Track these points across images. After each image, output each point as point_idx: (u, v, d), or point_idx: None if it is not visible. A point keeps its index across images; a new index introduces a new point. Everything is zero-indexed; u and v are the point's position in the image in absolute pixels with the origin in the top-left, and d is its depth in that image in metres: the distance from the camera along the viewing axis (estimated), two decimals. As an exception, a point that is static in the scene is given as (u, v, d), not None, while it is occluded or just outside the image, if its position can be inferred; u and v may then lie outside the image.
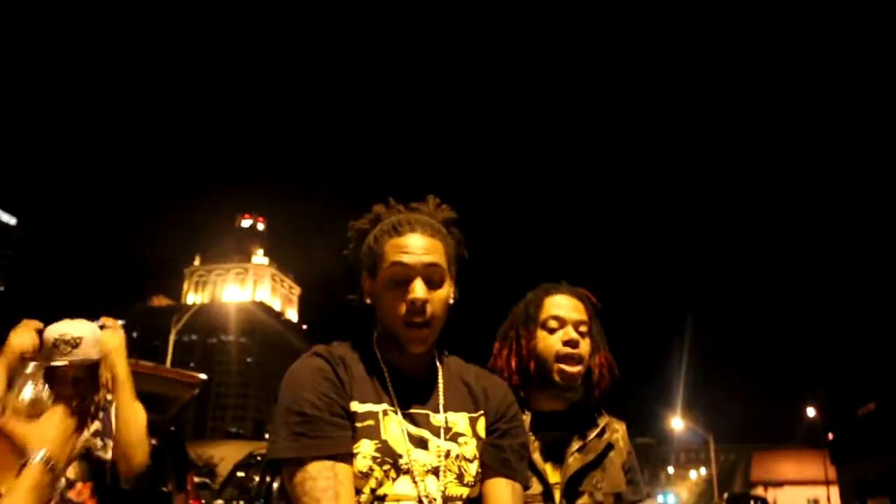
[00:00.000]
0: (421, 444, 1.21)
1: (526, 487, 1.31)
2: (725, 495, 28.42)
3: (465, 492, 1.22)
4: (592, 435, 1.61)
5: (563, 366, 1.56)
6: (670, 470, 66.87)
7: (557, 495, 1.54)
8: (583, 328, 1.59)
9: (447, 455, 1.21)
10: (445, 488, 1.19)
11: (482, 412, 1.30)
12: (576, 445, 1.59)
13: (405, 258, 1.23)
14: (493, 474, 1.26)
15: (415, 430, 1.21)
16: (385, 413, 1.21)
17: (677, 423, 35.29)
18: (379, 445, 1.17)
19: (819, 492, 28.60)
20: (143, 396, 2.01)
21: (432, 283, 1.24)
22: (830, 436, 26.49)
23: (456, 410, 1.27)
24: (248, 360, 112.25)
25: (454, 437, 1.24)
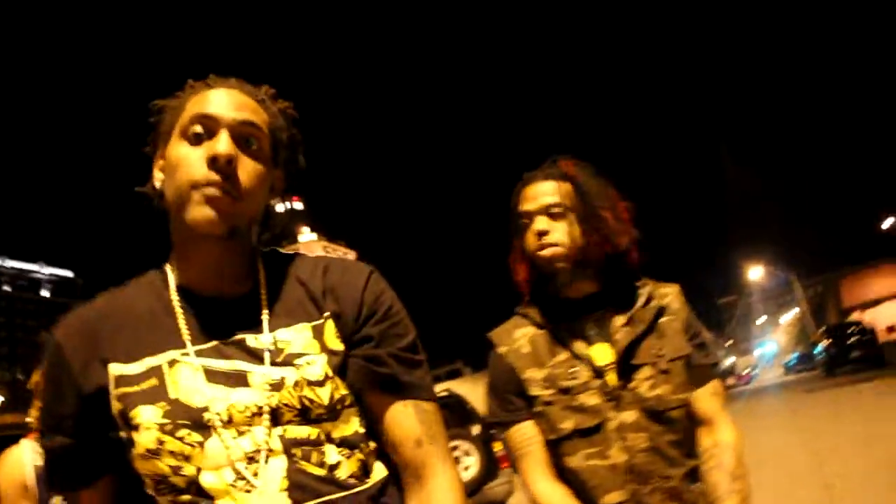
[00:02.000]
0: (237, 381, 0.89)
1: (433, 399, 0.99)
2: (823, 329, 27.96)
3: (315, 432, 0.89)
4: (637, 305, 1.48)
5: (539, 253, 1.47)
6: (761, 320, 66.37)
7: (612, 377, 1.41)
8: (555, 209, 1.47)
9: (279, 386, 0.89)
10: (284, 432, 0.88)
11: (328, 315, 0.96)
12: (621, 320, 1.46)
13: (209, 108, 0.93)
14: (380, 399, 0.95)
15: (225, 366, 0.90)
16: (173, 362, 0.90)
17: (756, 272, 34.74)
18: (167, 408, 0.87)
19: None
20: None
21: (247, 148, 0.93)
22: None
23: (289, 324, 0.94)
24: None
25: (288, 361, 0.91)
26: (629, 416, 1.39)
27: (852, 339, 24.34)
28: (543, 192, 1.49)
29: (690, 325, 1.50)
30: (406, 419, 0.95)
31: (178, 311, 0.93)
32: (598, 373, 1.42)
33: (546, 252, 1.46)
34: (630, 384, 1.41)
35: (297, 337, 0.93)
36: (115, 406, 0.88)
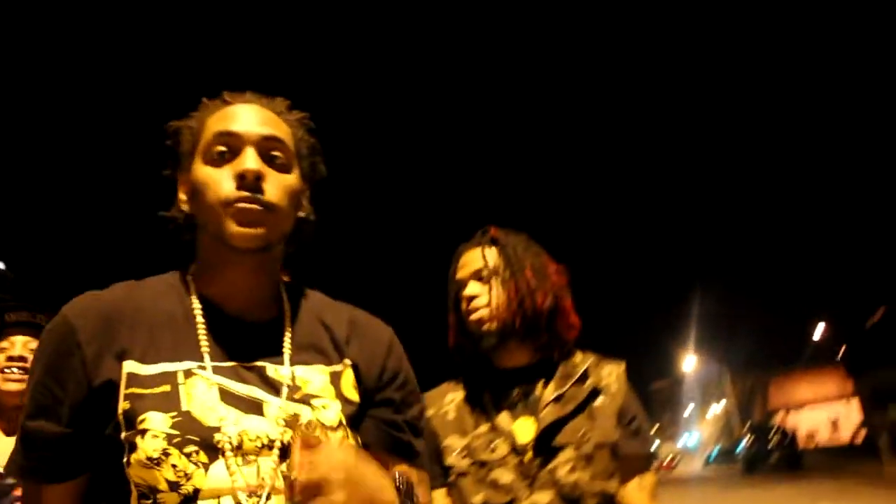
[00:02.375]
0: (252, 408, 0.86)
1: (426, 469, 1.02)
2: (748, 425, 28.48)
3: None
4: (570, 382, 1.42)
5: (469, 318, 1.46)
6: (690, 408, 67.43)
7: (529, 455, 1.35)
8: (483, 274, 1.48)
9: (293, 423, 0.85)
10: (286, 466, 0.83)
11: (349, 363, 0.96)
12: (550, 396, 1.41)
13: (232, 125, 0.92)
14: (388, 461, 0.93)
15: (241, 390, 0.87)
16: (189, 373, 0.86)
17: (691, 361, 35.24)
18: (177, 419, 0.82)
19: (839, 408, 28.67)
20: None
21: (273, 163, 0.92)
22: (843, 349, 26.28)
23: (308, 363, 0.93)
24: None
25: (305, 399, 0.89)
26: (543, 497, 1.32)
27: (773, 441, 24.98)
28: (473, 259, 1.50)
29: (627, 411, 1.43)
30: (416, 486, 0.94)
31: (200, 321, 0.91)
32: (518, 449, 1.36)
33: (473, 316, 1.45)
34: (549, 465, 1.34)
35: (314, 377, 0.93)
36: (123, 405, 0.83)
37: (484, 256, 1.49)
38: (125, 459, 0.82)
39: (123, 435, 0.82)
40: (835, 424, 29.02)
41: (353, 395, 0.94)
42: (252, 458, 0.83)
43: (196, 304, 0.91)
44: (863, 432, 24.45)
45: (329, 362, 0.95)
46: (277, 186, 0.90)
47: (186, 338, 0.89)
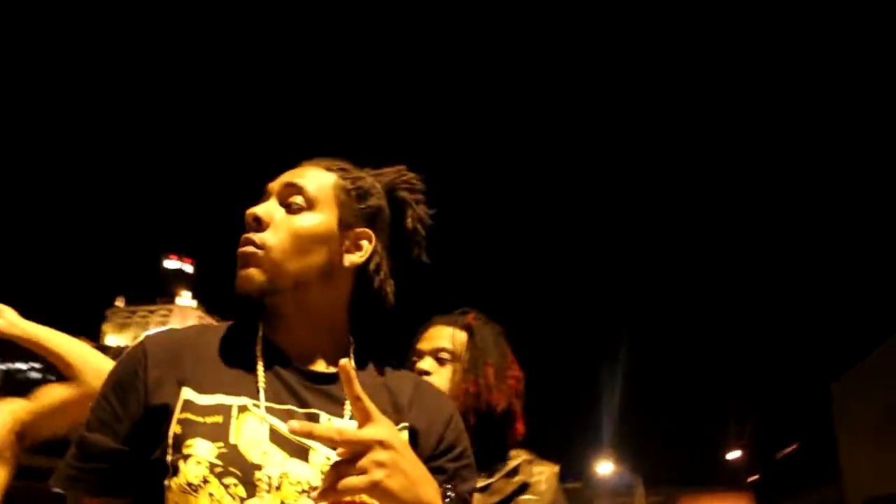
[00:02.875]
0: (298, 452, 0.86)
1: None
2: None
3: None
4: (500, 475, 1.41)
5: None
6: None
7: None
8: (443, 355, 1.46)
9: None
10: None
11: (406, 426, 0.94)
12: (479, 485, 1.35)
13: (271, 183, 0.98)
14: None
15: (291, 434, 0.85)
16: (243, 409, 0.87)
17: (606, 466, 42.07)
18: (223, 450, 0.84)
19: None
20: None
21: (290, 208, 0.95)
22: (755, 476, 27.15)
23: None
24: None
25: None
26: None
27: None
28: (439, 336, 1.50)
29: None
30: None
31: (260, 361, 0.92)
32: None
33: None
34: None
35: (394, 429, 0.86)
36: (175, 429, 0.85)
37: (452, 338, 1.48)
38: (167, 482, 0.83)
39: (169, 458, 0.84)
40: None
41: None
42: (290, 501, 0.83)
43: (259, 345, 0.94)
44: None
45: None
46: (281, 227, 0.92)
47: (247, 376, 0.90)
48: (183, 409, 0.86)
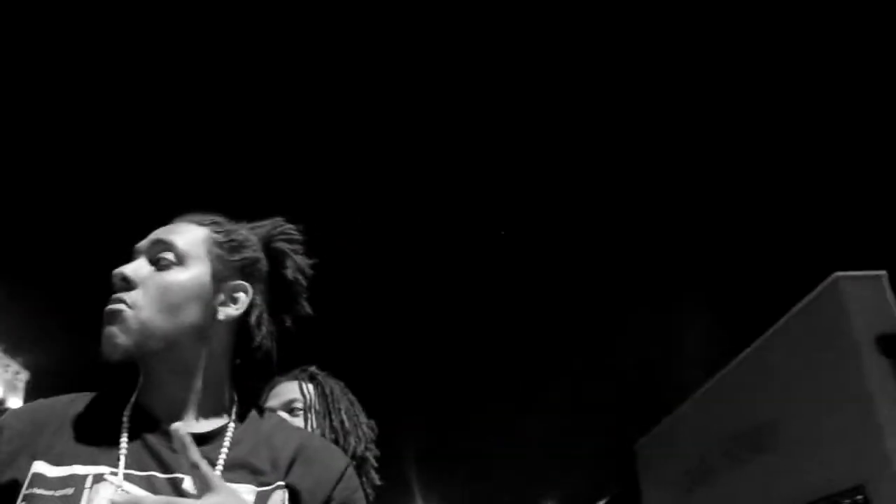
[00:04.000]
0: None
1: None
2: None
3: None
4: None
5: None
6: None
7: None
8: (295, 405, 1.50)
9: None
10: None
11: (282, 484, 0.89)
12: None
13: (139, 242, 0.95)
14: None
15: (152, 500, 0.79)
16: (99, 478, 0.83)
17: None
18: None
19: None
20: None
21: (159, 264, 0.92)
22: None
23: (237, 481, 0.86)
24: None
25: None
26: None
27: None
28: (287, 391, 1.51)
29: None
30: None
31: (125, 429, 0.88)
32: None
33: None
34: None
35: (241, 495, 0.84)
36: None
37: (302, 390, 1.49)
38: None
39: None
40: None
41: None
42: None
43: (126, 412, 0.89)
44: None
45: (260, 483, 0.88)
46: (150, 285, 0.89)
47: (109, 444, 0.86)
48: (30, 485, 0.84)
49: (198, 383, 0.93)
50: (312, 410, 1.45)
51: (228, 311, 0.94)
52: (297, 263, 1.03)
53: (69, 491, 0.81)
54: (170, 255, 0.92)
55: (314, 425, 1.42)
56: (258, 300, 0.97)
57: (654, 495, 11.14)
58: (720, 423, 8.03)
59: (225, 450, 0.89)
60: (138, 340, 0.88)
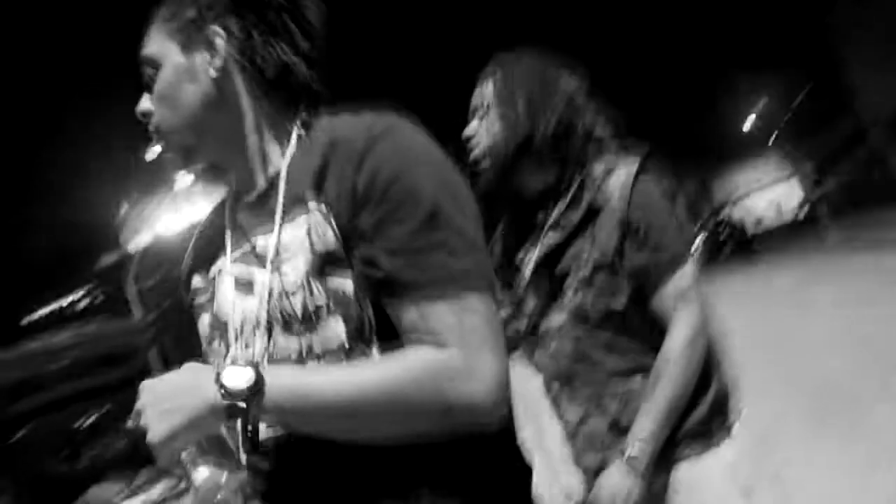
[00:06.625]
0: (247, 289, 0.81)
1: (468, 289, 0.73)
2: (698, 225, 29.31)
3: (297, 346, 0.76)
4: (564, 204, 1.31)
5: (470, 160, 1.38)
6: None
7: (544, 283, 1.33)
8: (479, 112, 1.38)
9: (270, 295, 0.78)
10: (273, 346, 0.78)
11: (320, 202, 0.78)
12: (549, 222, 1.32)
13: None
14: (392, 307, 0.75)
15: (244, 273, 0.82)
16: (220, 272, 0.87)
17: None
18: (211, 319, 0.87)
19: (780, 190, 29.13)
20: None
21: (151, 83, 0.89)
22: (775, 134, 26.62)
23: (295, 219, 0.79)
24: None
25: (278, 265, 0.78)
26: (557, 318, 1.33)
27: (724, 235, 23.91)
28: (474, 98, 1.40)
29: (632, 222, 1.25)
30: (412, 321, 0.73)
31: (227, 218, 0.90)
32: (531, 278, 1.36)
33: (471, 157, 1.37)
34: (559, 291, 1.32)
35: (295, 234, 0.78)
36: (195, 315, 0.93)
37: (481, 92, 1.39)
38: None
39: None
40: (778, 206, 28.86)
41: (323, 241, 0.76)
42: (250, 339, 0.80)
43: (228, 202, 0.92)
44: (805, 208, 24.77)
45: (308, 209, 0.78)
46: (154, 103, 0.89)
47: (222, 237, 0.90)
48: (192, 296, 0.94)
49: (244, 147, 0.88)
50: (490, 111, 1.37)
51: (215, 63, 0.87)
52: None
53: (211, 292, 0.89)
54: (150, 70, 0.90)
55: (492, 126, 1.36)
56: (237, 30, 0.87)
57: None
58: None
59: (282, 196, 0.82)
60: (178, 147, 0.88)
